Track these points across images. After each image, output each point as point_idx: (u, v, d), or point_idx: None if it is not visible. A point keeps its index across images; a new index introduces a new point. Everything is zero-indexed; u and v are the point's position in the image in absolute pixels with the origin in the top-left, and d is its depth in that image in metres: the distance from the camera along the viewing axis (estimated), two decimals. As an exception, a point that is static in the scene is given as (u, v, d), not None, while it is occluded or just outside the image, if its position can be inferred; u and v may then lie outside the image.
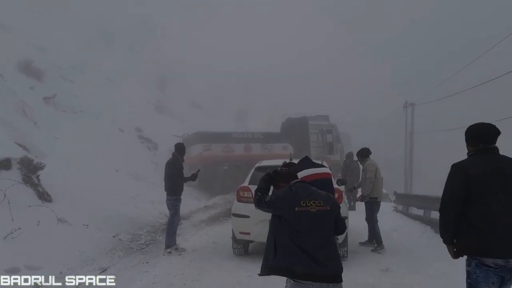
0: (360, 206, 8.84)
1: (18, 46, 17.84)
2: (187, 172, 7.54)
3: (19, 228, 6.05)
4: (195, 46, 39.09)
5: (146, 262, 6.25)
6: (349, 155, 12.33)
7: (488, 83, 16.51)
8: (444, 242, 2.96)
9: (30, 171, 7.98)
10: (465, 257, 2.89)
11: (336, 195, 6.03)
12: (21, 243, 5.88)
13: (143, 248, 7.43)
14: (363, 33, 59.96)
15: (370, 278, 5.44)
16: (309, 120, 18.80)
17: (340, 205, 6.23)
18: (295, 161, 3.36)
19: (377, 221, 7.29)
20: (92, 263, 6.20)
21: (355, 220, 7.84)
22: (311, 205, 2.75)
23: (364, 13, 62.02)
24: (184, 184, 7.26)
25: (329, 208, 2.79)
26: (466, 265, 2.85)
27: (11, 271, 5.14)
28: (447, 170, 2.97)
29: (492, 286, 2.70)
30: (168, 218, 7.22)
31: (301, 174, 2.95)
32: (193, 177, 7.32)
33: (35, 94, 14.76)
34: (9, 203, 6.50)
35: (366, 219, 7.43)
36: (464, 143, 3.04)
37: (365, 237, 7.56)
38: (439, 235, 3.07)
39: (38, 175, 8.10)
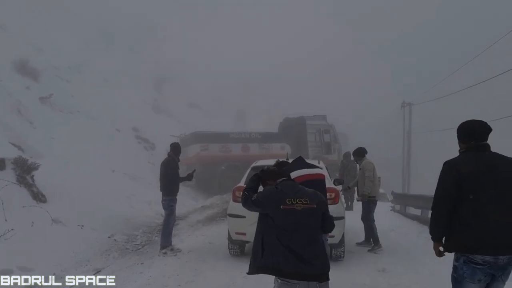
0: (358, 206, 8.80)
1: (14, 46, 17.74)
2: (184, 173, 7.49)
3: (12, 229, 5.99)
4: (193, 46, 39.10)
5: (141, 263, 6.19)
6: (347, 154, 12.31)
7: (485, 82, 16.52)
8: (433, 239, 2.97)
9: (24, 171, 7.91)
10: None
11: (333, 195, 6.08)
12: (14, 244, 5.82)
13: (139, 249, 7.37)
14: (363, 33, 60.05)
15: (367, 278, 5.41)
16: (306, 120, 18.82)
17: (337, 205, 6.25)
18: (291, 161, 3.33)
19: (374, 220, 7.26)
20: (86, 264, 6.13)
21: (352, 220, 7.79)
22: (296, 203, 2.74)
23: (364, 13, 62.10)
24: (182, 184, 7.22)
25: (315, 206, 2.78)
26: (453, 260, 2.86)
27: (3, 272, 5.08)
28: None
29: (478, 284, 2.71)
30: (163, 219, 7.16)
31: (294, 174, 2.92)
32: (189, 177, 7.27)
33: (31, 94, 14.67)
34: (2, 203, 6.44)
35: (362, 218, 7.40)
36: None
37: (362, 237, 7.52)
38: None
39: (33, 176, 8.02)
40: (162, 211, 7.71)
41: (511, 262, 2.68)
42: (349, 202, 11.92)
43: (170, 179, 6.93)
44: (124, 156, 15.17)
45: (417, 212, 10.78)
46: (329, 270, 2.80)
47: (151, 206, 11.34)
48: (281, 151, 16.25)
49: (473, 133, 2.87)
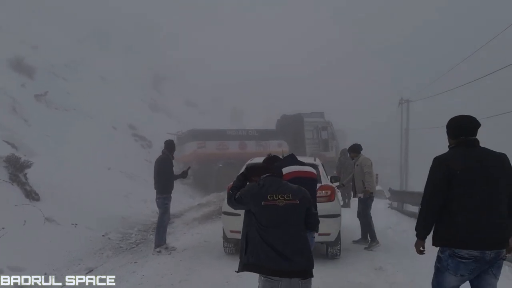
0: (354, 203, 8.73)
1: (9, 44, 17.60)
2: (180, 170, 7.41)
3: (3, 228, 5.90)
4: (192, 45, 39.02)
5: (135, 262, 6.11)
6: (344, 152, 12.23)
7: (482, 79, 16.46)
8: (418, 236, 2.97)
9: (17, 169, 7.81)
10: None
11: (329, 192, 6.00)
12: (5, 243, 5.72)
13: (133, 248, 7.29)
14: (363, 33, 60.05)
15: (363, 276, 5.35)
16: (304, 117, 18.73)
17: (333, 202, 6.16)
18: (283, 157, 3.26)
19: (371, 217, 7.20)
20: (79, 263, 6.04)
21: (348, 218, 7.72)
22: (278, 198, 2.68)
23: (364, 13, 62.10)
24: (179, 182, 7.14)
25: (298, 202, 2.72)
26: (438, 251, 2.87)
27: (-7, 272, 4.99)
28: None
29: (461, 278, 2.73)
30: (158, 217, 7.09)
31: (284, 171, 2.86)
32: (184, 175, 7.19)
33: (26, 92, 14.54)
34: (-6, 202, 6.36)
35: (359, 215, 7.33)
36: None
37: (358, 235, 7.45)
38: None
39: (26, 174, 7.92)
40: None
41: (499, 257, 2.69)
42: (346, 200, 11.87)
43: (164, 177, 6.84)
44: (120, 154, 15.06)
45: (415, 209, 10.72)
46: (313, 267, 2.74)
47: (147, 204, 11.22)
48: (279, 149, 16.15)
49: (462, 129, 2.88)
